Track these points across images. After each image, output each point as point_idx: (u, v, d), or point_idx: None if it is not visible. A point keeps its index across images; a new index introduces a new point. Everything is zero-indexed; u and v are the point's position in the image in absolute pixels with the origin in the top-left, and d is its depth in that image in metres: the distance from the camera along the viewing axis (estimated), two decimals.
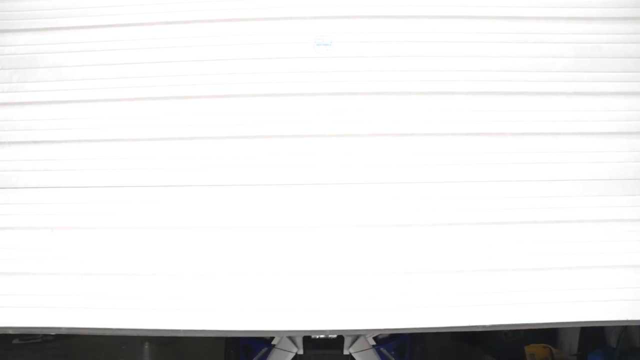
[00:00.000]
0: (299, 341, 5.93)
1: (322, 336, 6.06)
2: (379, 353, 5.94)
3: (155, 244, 3.21)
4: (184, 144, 3.27)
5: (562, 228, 3.21)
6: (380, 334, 6.01)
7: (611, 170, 3.27)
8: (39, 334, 11.34)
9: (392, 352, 6.01)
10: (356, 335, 6.02)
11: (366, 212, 3.20)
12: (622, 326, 6.10)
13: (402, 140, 3.25)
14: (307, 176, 3.23)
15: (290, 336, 6.04)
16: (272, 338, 6.00)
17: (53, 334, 9.95)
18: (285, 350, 5.89)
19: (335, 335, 6.03)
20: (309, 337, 6.00)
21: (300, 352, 5.89)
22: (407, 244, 3.19)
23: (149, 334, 3.31)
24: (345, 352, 5.90)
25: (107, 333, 3.13)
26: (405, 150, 3.23)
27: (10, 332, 3.38)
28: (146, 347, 8.99)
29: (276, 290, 3.21)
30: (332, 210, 3.21)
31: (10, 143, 3.32)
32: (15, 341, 9.94)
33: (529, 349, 6.83)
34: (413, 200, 3.21)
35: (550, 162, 3.26)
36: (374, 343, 5.97)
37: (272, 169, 3.26)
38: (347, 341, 5.94)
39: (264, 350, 5.97)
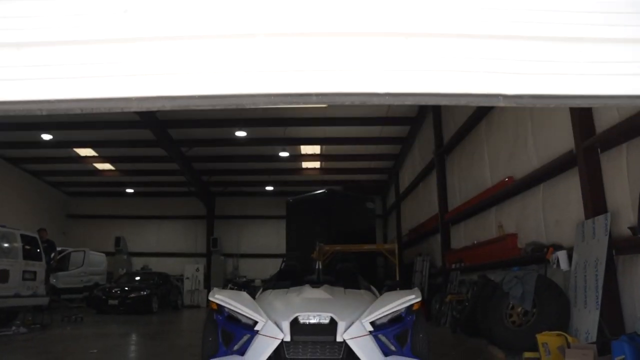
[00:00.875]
0: (286, 327, 5.21)
1: (312, 321, 5.34)
2: (377, 340, 5.21)
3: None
4: None
5: None
6: (377, 319, 5.31)
7: None
8: (10, 327, 10.68)
9: (392, 340, 5.27)
10: (351, 321, 5.32)
11: None
12: None
13: None
14: None
15: (276, 320, 5.34)
16: (255, 323, 5.27)
17: None
18: (269, 337, 5.13)
19: (327, 320, 5.30)
20: (297, 322, 5.29)
21: (287, 338, 5.13)
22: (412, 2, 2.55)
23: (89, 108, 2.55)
24: (339, 339, 5.16)
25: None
26: None
27: None
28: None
29: (257, 50, 2.50)
30: None
31: None
32: None
33: (542, 338, 6.15)
34: None
35: None
36: (371, 329, 5.24)
37: None
38: (340, 327, 5.21)
39: (246, 337, 5.22)
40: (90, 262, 20.96)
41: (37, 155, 22.82)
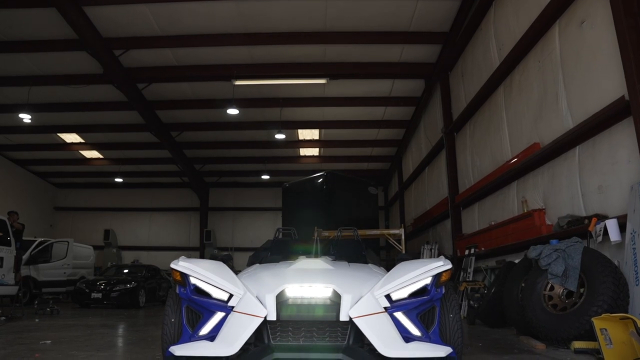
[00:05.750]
0: (270, 301, 3.80)
1: (306, 294, 3.95)
2: (394, 320, 3.83)
3: None
4: None
5: None
6: (395, 292, 3.90)
7: None
8: None
9: (415, 321, 3.86)
10: (359, 294, 3.94)
11: None
12: None
13: None
14: None
15: (258, 294, 3.99)
16: (230, 297, 3.92)
17: None
18: (248, 315, 3.77)
19: (327, 294, 3.85)
20: (286, 295, 3.84)
21: (272, 317, 3.74)
22: None
23: None
24: (343, 318, 3.78)
25: None
26: None
27: None
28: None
29: None
30: None
31: None
32: None
33: (600, 322, 4.83)
34: None
35: None
36: (387, 304, 3.87)
37: None
38: (345, 301, 3.78)
39: (218, 316, 3.87)
40: (75, 255, 19.57)
41: (19, 142, 21.55)
